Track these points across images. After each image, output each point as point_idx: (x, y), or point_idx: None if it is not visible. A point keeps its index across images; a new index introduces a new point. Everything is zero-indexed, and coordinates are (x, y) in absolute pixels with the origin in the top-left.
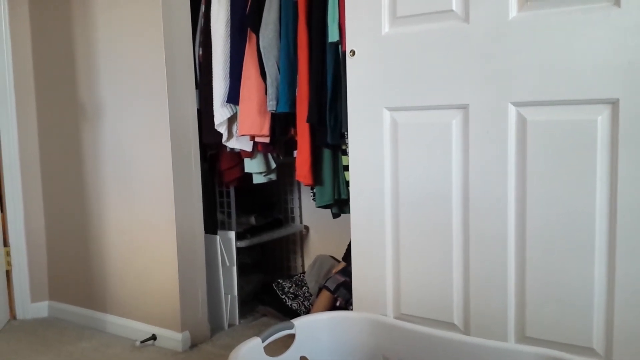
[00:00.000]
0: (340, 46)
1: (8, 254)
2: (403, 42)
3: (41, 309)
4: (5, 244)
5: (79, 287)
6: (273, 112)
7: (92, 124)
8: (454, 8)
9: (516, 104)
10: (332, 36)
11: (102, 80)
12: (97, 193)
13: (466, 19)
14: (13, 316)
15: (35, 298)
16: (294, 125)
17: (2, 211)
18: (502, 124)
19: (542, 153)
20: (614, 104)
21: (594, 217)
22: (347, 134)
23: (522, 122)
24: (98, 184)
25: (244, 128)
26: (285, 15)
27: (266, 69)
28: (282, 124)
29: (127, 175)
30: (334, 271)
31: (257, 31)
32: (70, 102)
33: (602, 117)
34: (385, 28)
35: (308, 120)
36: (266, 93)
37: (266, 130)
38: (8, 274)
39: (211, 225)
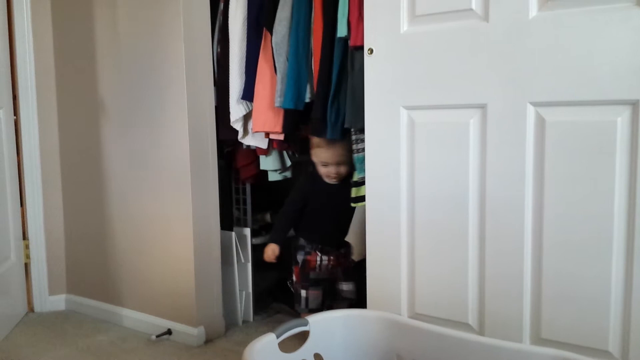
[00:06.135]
0: (348, 41)
1: (27, 247)
2: (421, 41)
3: (58, 302)
4: (24, 237)
5: (96, 281)
6: (280, 107)
7: (111, 120)
8: (473, 7)
9: (535, 104)
10: (341, 31)
11: (121, 77)
12: (115, 188)
13: (486, 17)
14: (31, 309)
15: (53, 291)
16: (305, 123)
17: (21, 205)
18: (521, 124)
19: (560, 154)
20: (634, 105)
21: (612, 219)
22: (353, 131)
23: (540, 123)
24: (116, 179)
25: (257, 125)
26: (297, 12)
27: (276, 65)
28: (292, 119)
29: (145, 170)
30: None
31: (270, 27)
32: (90, 98)
33: (621, 119)
34: (404, 26)
35: (312, 116)
36: None
37: (280, 127)
38: (27, 266)
39: (227, 222)
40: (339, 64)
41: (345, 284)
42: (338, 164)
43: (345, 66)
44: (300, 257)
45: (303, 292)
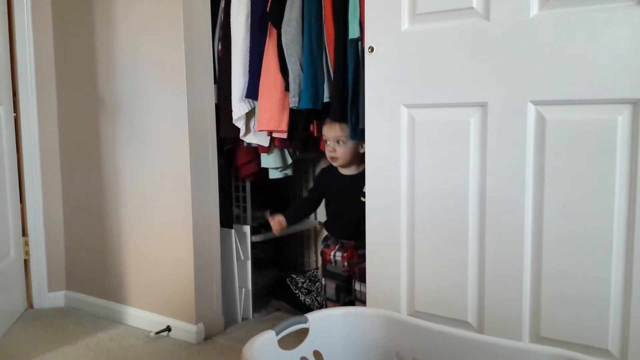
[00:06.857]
0: (360, 43)
1: (26, 243)
2: (422, 39)
3: (58, 298)
4: (24, 233)
5: (96, 278)
6: (295, 108)
7: (111, 116)
8: (474, 5)
9: (535, 103)
10: (353, 33)
11: (121, 74)
12: (115, 185)
13: (486, 16)
14: (30, 305)
15: (52, 288)
16: (314, 122)
17: (21, 201)
18: (521, 122)
19: (561, 152)
20: (634, 104)
21: (612, 218)
22: None
23: (541, 121)
24: (116, 176)
25: (262, 123)
26: (308, 12)
27: (288, 66)
28: (301, 120)
29: (145, 167)
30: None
31: (278, 27)
32: (90, 95)
33: (622, 117)
34: (405, 25)
35: (331, 118)
36: (286, 89)
37: (284, 126)
38: (26, 263)
39: (227, 219)
40: (353, 65)
41: (362, 285)
42: (335, 140)
43: (360, 67)
44: (321, 248)
45: (323, 281)
